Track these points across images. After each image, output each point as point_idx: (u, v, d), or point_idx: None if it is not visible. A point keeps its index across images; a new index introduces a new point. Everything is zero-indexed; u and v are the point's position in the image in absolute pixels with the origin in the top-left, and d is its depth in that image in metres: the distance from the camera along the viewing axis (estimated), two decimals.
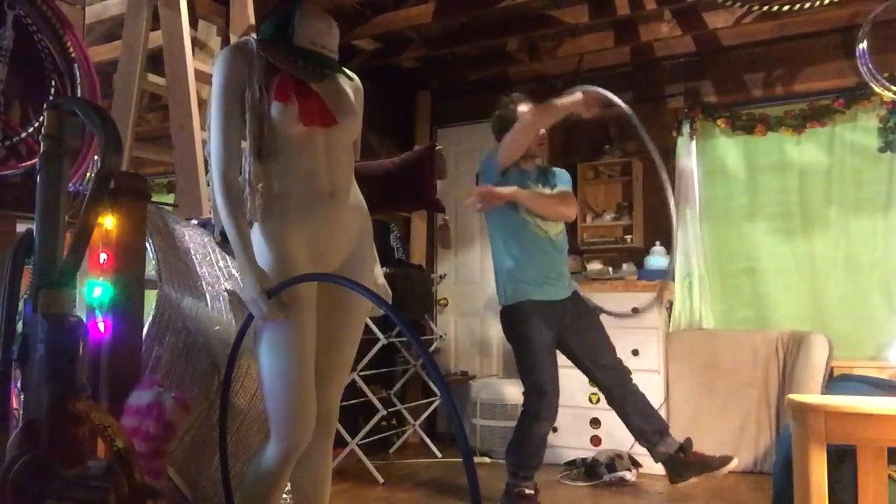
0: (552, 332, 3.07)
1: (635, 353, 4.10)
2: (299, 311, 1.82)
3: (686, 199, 4.62)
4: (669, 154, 4.74)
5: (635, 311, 3.96)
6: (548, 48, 4.83)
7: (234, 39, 3.27)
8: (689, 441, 3.05)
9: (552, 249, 3.13)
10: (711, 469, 2.95)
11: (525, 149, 3.08)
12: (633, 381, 3.12)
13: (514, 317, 3.09)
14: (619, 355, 3.13)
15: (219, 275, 2.31)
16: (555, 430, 4.14)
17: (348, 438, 3.81)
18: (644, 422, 3.06)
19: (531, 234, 3.09)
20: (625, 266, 4.60)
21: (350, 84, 2.07)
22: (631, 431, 3.14)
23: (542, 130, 3.14)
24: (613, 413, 3.14)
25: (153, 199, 2.09)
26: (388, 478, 3.89)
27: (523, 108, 3.12)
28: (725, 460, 2.98)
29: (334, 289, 1.94)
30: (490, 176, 3.12)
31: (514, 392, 4.53)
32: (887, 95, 3.84)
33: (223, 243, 1.95)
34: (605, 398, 3.17)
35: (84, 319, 1.50)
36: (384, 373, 4.56)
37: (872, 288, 4.24)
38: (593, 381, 3.21)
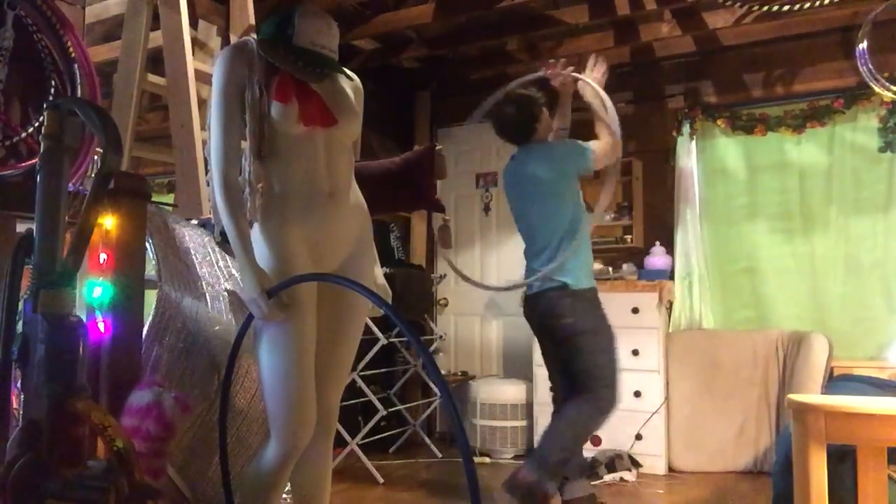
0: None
1: (635, 353, 4.09)
2: (299, 311, 1.83)
3: (686, 199, 4.62)
4: (669, 154, 4.75)
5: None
6: (548, 48, 4.82)
7: (234, 39, 3.27)
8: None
9: None
10: None
11: None
12: None
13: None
14: (618, 355, 3.08)
15: (219, 275, 2.31)
16: None
17: (348, 438, 3.80)
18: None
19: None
20: (625, 266, 4.60)
21: (350, 84, 2.07)
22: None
23: None
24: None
25: (153, 199, 2.09)
26: (388, 478, 3.89)
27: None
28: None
29: (334, 289, 1.94)
30: (576, 169, 3.08)
31: (514, 392, 4.53)
32: (887, 95, 3.83)
33: (223, 243, 1.95)
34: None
35: (84, 319, 1.51)
36: (384, 373, 4.56)
37: (872, 288, 4.24)
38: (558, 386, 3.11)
